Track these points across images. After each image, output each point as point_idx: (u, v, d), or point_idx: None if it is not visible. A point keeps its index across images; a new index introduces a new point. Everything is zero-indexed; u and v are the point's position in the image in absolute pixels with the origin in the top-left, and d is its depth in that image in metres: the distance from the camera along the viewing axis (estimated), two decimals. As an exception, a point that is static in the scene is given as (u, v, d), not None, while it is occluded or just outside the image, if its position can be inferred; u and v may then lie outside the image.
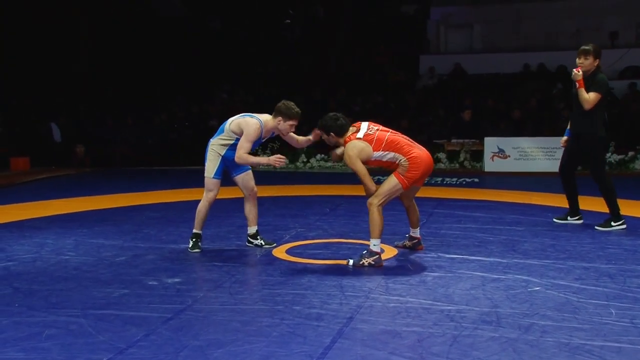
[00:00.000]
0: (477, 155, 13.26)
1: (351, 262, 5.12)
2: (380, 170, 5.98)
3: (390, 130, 5.28)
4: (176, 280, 4.75)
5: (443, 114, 15.06)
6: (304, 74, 18.23)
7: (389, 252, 5.56)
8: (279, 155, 5.42)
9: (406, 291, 4.41)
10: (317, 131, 5.43)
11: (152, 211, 7.97)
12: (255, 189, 5.81)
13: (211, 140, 5.66)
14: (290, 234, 6.45)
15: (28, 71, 17.28)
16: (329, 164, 13.41)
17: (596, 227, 6.55)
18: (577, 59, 6.49)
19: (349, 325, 3.71)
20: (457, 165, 13.27)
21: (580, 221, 6.83)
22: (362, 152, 5.05)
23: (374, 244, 5.07)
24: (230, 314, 3.94)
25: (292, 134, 5.71)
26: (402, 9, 20.68)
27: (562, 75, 16.62)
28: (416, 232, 5.65)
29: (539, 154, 12.66)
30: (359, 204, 8.15)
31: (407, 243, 5.69)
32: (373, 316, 3.88)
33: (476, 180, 11.43)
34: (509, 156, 12.80)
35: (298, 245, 5.91)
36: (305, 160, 13.61)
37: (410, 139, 5.29)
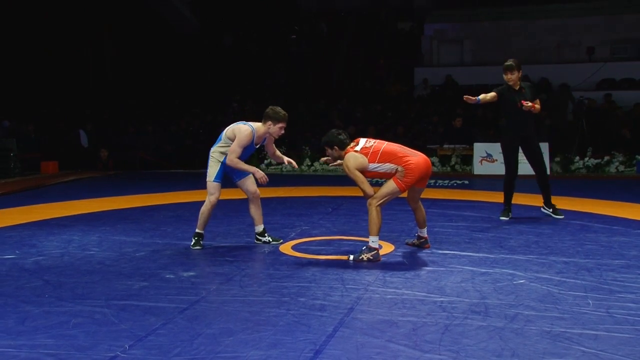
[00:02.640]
0: (467, 160, 13.24)
1: (351, 257, 5.13)
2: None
3: (387, 142, 5.29)
4: (191, 274, 4.75)
5: (436, 121, 15.04)
6: (308, 86, 18.24)
7: (387, 248, 5.55)
8: (264, 175, 5.47)
9: (402, 284, 4.40)
10: (293, 162, 5.84)
11: (169, 211, 7.97)
12: (257, 192, 5.79)
13: (212, 148, 5.67)
14: (295, 231, 6.44)
15: (58, 83, 17.36)
16: (331, 167, 13.38)
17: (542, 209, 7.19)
18: (504, 75, 7.11)
19: (350, 315, 3.70)
20: (448, 168, 13.24)
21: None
22: (358, 162, 5.09)
23: (373, 241, 5.07)
24: (240, 305, 3.94)
25: (274, 145, 5.82)
26: (398, 25, 20.70)
27: (544, 86, 16.63)
28: (423, 232, 5.61)
29: (523, 158, 12.59)
30: (359, 204, 8.15)
31: (415, 241, 5.67)
32: (372, 307, 3.88)
33: (466, 182, 11.41)
34: (497, 160, 12.72)
35: (303, 242, 5.91)
36: (309, 163, 13.60)
37: (407, 148, 5.29)
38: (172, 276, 4.67)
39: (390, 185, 5.08)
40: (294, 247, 5.67)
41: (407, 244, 5.73)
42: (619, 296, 4.04)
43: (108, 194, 9.70)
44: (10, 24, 16.10)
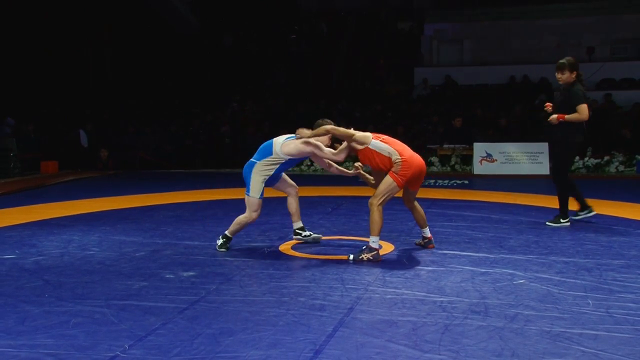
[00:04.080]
0: (467, 159, 13.25)
1: (352, 257, 5.12)
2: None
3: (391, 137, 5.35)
4: (191, 273, 4.75)
5: (436, 121, 15.05)
6: (308, 86, 18.24)
7: (387, 248, 5.55)
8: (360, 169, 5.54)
9: (402, 284, 4.40)
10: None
11: (169, 211, 7.97)
12: (296, 185, 5.82)
13: (255, 160, 5.42)
14: (295, 231, 6.43)
15: (58, 83, 17.36)
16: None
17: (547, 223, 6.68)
18: (556, 74, 6.45)
19: (350, 315, 3.70)
20: (448, 168, 13.25)
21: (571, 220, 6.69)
22: (362, 133, 5.19)
23: (373, 241, 5.06)
24: (240, 304, 3.94)
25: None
26: (398, 25, 20.72)
27: (544, 86, 16.64)
28: (426, 232, 5.59)
29: (523, 158, 12.64)
30: (359, 204, 8.15)
31: (421, 242, 5.66)
32: (371, 307, 3.88)
33: (466, 182, 11.41)
34: (496, 160, 12.78)
35: (303, 242, 5.90)
36: (309, 163, 13.60)
37: (406, 146, 5.30)
38: (172, 276, 4.67)
39: (387, 181, 5.07)
40: (294, 247, 5.67)
41: (416, 244, 5.73)
42: (619, 296, 4.04)
43: (108, 194, 9.70)
44: (10, 24, 16.09)
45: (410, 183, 5.20)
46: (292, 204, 5.79)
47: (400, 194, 5.35)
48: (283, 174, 5.69)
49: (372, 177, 5.54)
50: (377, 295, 4.12)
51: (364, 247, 5.16)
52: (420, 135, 14.53)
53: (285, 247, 5.66)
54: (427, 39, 19.79)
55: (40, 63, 17.04)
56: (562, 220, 6.59)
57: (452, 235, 6.13)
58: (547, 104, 6.60)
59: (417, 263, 5.04)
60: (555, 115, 6.39)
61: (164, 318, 3.67)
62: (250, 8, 20.88)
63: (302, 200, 8.85)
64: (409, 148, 5.25)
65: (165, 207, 8.27)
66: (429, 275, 4.63)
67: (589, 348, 3.16)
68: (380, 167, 5.18)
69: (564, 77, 6.34)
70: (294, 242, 5.89)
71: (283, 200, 8.70)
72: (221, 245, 5.58)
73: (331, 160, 5.39)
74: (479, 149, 12.87)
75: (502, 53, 18.71)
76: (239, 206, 7.61)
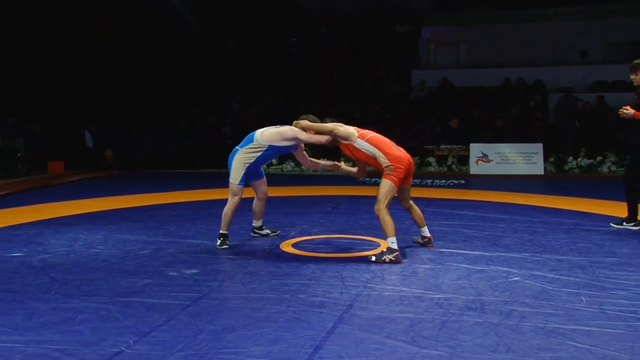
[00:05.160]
0: (464, 160, 13.24)
1: (374, 258, 5.03)
2: (376, 173, 6.00)
3: (379, 135, 5.36)
4: (194, 271, 4.76)
5: (433, 122, 15.05)
6: (308, 86, 18.24)
7: (385, 246, 5.54)
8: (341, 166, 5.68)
9: (400, 281, 4.41)
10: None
11: (172, 210, 7.97)
12: (267, 192, 5.95)
13: (238, 148, 5.56)
14: (296, 230, 6.45)
15: (57, 83, 17.33)
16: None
17: (611, 224, 6.49)
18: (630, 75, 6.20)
19: (349, 312, 3.71)
20: (445, 168, 13.24)
21: (636, 227, 6.33)
22: (347, 129, 5.22)
23: (392, 242, 5.01)
24: (242, 301, 3.95)
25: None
26: (397, 28, 20.72)
27: (539, 88, 16.65)
28: (425, 231, 5.60)
29: (519, 158, 12.64)
30: (359, 203, 8.16)
31: (419, 240, 5.68)
32: (370, 304, 3.89)
33: (462, 182, 11.42)
34: (492, 160, 12.78)
35: (303, 240, 5.92)
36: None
37: (393, 143, 5.35)
38: (175, 274, 4.68)
39: (385, 184, 5.09)
40: (294, 245, 5.67)
41: (414, 241, 5.74)
42: (611, 293, 4.05)
43: (112, 194, 9.70)
44: (10, 24, 16.06)
45: (403, 180, 5.25)
46: (258, 206, 5.97)
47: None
48: (264, 178, 5.79)
49: (352, 169, 5.67)
50: (376, 293, 4.13)
51: (384, 249, 5.07)
52: (418, 136, 14.53)
53: (286, 246, 5.67)
54: (425, 41, 19.78)
55: (40, 63, 17.00)
56: (625, 223, 6.39)
57: (449, 234, 6.14)
58: (626, 106, 6.21)
59: (415, 261, 5.05)
60: (631, 110, 6.08)
61: (168, 314, 3.68)
62: (250, 9, 20.86)
63: (302, 200, 8.91)
64: (394, 145, 5.30)
65: (168, 207, 8.28)
66: (426, 273, 4.64)
67: (582, 344, 3.17)
68: (364, 161, 5.30)
69: (639, 77, 6.14)
70: (294, 240, 5.90)
71: (284, 200, 8.75)
72: (221, 244, 5.60)
73: (315, 142, 5.38)
74: (475, 149, 12.88)
75: (497, 56, 18.69)
76: (241, 205, 7.63)
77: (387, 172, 5.09)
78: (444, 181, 11.42)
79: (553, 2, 18.51)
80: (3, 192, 9.71)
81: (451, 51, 19.55)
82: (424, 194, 9.23)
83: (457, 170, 13.16)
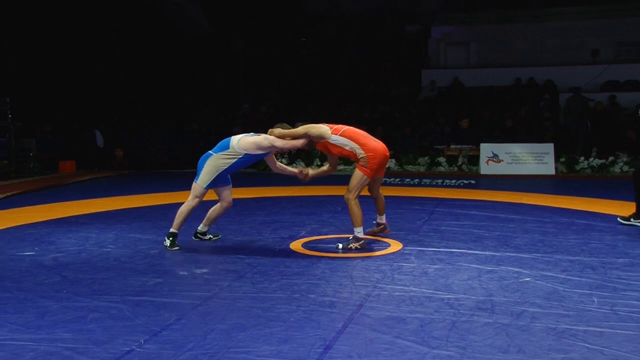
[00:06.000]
0: (474, 160, 13.19)
1: (340, 246, 5.34)
2: (348, 162, 6.10)
3: (352, 127, 5.51)
4: (204, 270, 4.76)
5: (443, 122, 15.01)
6: (316, 87, 18.24)
7: (395, 246, 5.54)
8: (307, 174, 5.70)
9: (410, 281, 4.39)
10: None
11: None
12: (231, 202, 5.80)
13: (212, 152, 5.55)
14: (305, 229, 6.44)
15: (73, 86, 17.44)
16: (340, 166, 13.40)
17: (618, 219, 6.49)
18: None
19: (359, 312, 3.70)
20: (455, 168, 13.20)
21: None
22: (319, 128, 5.33)
23: (358, 232, 5.32)
24: (252, 301, 3.94)
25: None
26: (406, 28, 20.68)
27: (549, 88, 16.56)
28: (382, 219, 5.85)
29: (529, 158, 12.58)
30: (366, 203, 8.14)
31: (376, 229, 5.89)
32: (380, 304, 3.87)
33: (473, 182, 11.37)
34: (502, 160, 12.72)
35: (313, 240, 5.91)
36: (319, 163, 13.60)
37: (368, 134, 5.48)
38: (185, 273, 4.69)
39: (357, 176, 5.31)
40: (304, 245, 5.67)
41: (368, 233, 5.80)
42: (623, 294, 4.02)
43: (123, 193, 9.73)
44: (21, 27, 16.16)
45: (378, 170, 5.41)
46: (216, 211, 5.83)
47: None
48: (231, 184, 5.72)
49: (321, 169, 5.84)
50: (386, 293, 4.12)
51: (350, 237, 5.36)
52: (428, 136, 14.49)
53: (296, 245, 5.67)
54: (434, 41, 19.75)
55: (52, 65, 17.10)
56: (633, 220, 6.37)
57: (459, 234, 6.11)
58: None
59: (425, 261, 5.03)
60: None
61: (178, 314, 3.68)
62: (258, 12, 20.89)
63: (311, 199, 8.89)
64: (370, 136, 5.44)
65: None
66: (437, 273, 4.62)
67: (594, 345, 3.15)
68: (342, 155, 5.43)
69: None
70: (304, 240, 5.89)
71: (293, 199, 8.73)
72: (171, 245, 5.50)
73: (292, 147, 5.40)
74: (486, 149, 12.82)
75: (508, 55, 18.63)
76: (248, 205, 7.64)
77: (362, 163, 5.28)
78: (454, 181, 11.38)
79: (564, 1, 18.40)
80: (16, 192, 9.77)
81: (461, 51, 19.52)
82: (434, 194, 9.20)
83: (467, 170, 13.11)
